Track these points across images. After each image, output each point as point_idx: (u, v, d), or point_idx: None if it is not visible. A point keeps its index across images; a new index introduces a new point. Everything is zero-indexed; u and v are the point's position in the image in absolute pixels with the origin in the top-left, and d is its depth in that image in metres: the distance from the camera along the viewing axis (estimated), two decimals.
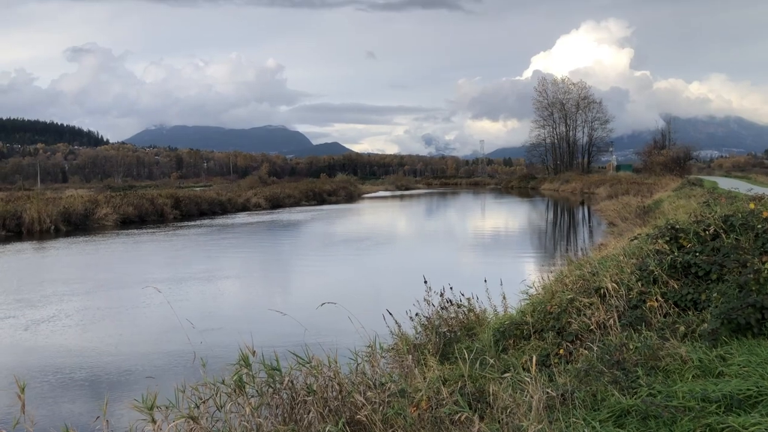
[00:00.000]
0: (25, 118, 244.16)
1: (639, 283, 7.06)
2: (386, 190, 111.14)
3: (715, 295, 6.16)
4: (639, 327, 6.18)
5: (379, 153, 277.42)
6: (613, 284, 7.19)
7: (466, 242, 28.96)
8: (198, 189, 68.71)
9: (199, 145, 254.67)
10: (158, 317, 13.31)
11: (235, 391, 5.76)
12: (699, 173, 75.00)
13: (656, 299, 6.67)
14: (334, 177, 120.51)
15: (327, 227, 38.34)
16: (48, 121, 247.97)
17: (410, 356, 6.63)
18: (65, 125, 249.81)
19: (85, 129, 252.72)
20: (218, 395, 5.69)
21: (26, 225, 33.15)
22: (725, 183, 41.47)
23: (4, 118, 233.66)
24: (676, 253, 7.25)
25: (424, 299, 9.05)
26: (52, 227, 33.65)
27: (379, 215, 51.64)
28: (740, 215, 7.48)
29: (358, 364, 6.30)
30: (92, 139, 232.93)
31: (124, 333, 12.15)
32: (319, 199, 66.99)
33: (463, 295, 9.41)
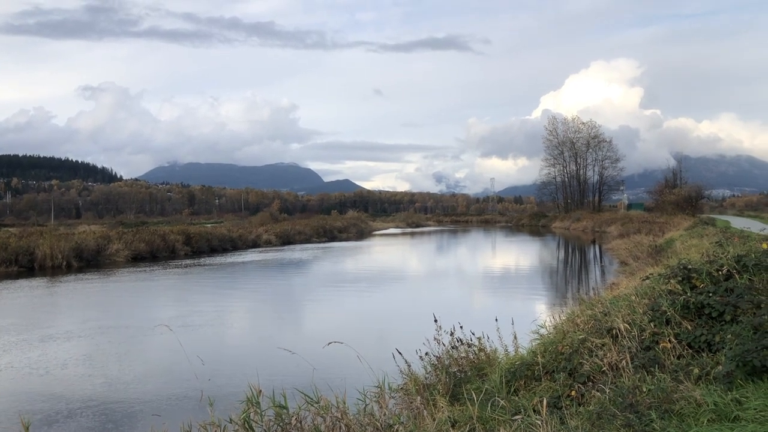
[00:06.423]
0: (41, 155, 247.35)
1: (651, 324, 6.97)
2: (397, 227, 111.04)
3: (729, 336, 6.06)
4: (652, 369, 6.08)
5: (390, 190, 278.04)
6: (626, 325, 7.09)
7: (477, 280, 28.79)
8: (209, 225, 68.96)
9: (212, 182, 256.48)
10: (167, 355, 13.25)
11: (243, 430, 5.69)
12: (711, 212, 74.59)
13: (669, 340, 6.57)
14: (345, 214, 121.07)
15: (337, 265, 38.30)
16: (63, 158, 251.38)
17: (419, 397, 6.54)
18: (80, 162, 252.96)
19: (99, 166, 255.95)
20: None
21: (38, 260, 33.32)
22: (738, 222, 41.20)
23: (21, 155, 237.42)
24: (689, 294, 7.17)
25: (434, 338, 8.97)
26: (64, 263, 33.84)
27: (389, 252, 51.55)
28: (754, 255, 7.42)
29: (366, 405, 6.23)
30: (106, 176, 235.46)
31: (131, 371, 12.09)
32: (330, 235, 67.03)
33: (473, 334, 9.32)
